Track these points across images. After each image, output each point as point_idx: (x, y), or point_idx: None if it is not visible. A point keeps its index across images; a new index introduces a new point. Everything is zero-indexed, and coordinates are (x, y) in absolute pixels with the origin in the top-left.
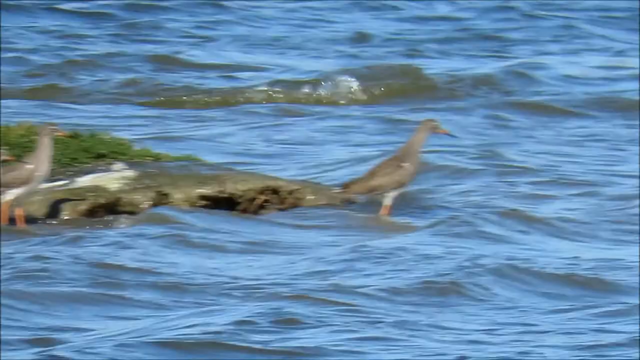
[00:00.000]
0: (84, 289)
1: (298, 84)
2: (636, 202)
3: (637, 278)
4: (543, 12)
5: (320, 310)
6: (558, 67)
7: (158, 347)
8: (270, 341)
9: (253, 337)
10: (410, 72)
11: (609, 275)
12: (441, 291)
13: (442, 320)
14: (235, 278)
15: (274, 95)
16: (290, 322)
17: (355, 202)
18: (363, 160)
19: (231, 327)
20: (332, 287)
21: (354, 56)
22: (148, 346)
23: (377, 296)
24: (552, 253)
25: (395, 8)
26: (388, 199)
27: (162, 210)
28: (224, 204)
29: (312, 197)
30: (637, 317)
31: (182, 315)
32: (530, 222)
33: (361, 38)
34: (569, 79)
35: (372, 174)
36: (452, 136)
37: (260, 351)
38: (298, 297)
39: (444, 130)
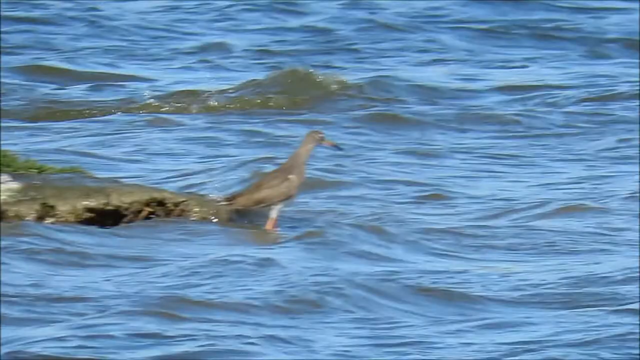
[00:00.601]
0: None
1: (164, 96)
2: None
3: (482, 289)
4: (402, 24)
5: (162, 326)
6: (416, 79)
7: None
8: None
9: None
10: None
11: (467, 289)
12: (297, 304)
13: (299, 333)
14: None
15: (138, 106)
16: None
17: (244, 214)
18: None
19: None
20: (178, 300)
21: (218, 67)
22: None
23: (233, 308)
24: (413, 267)
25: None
26: (274, 212)
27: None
28: (110, 216)
29: (198, 209)
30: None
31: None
32: (391, 236)
33: (220, 48)
34: (426, 90)
35: (258, 186)
36: (338, 148)
37: None
38: (142, 312)
39: (329, 142)
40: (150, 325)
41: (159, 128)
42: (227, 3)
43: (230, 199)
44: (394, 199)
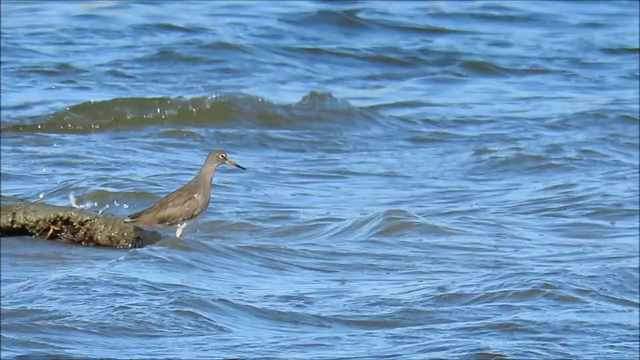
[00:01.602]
0: None
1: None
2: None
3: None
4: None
5: None
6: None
7: None
8: None
9: None
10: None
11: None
12: (123, 321)
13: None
14: None
15: None
16: None
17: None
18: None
19: None
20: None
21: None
22: None
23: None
24: (257, 286)
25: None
26: (179, 230)
27: None
28: (19, 234)
29: (103, 227)
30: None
31: None
32: (232, 252)
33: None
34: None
35: (162, 204)
36: (240, 167)
37: None
38: None
39: (231, 161)
40: None
41: None
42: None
43: (135, 217)
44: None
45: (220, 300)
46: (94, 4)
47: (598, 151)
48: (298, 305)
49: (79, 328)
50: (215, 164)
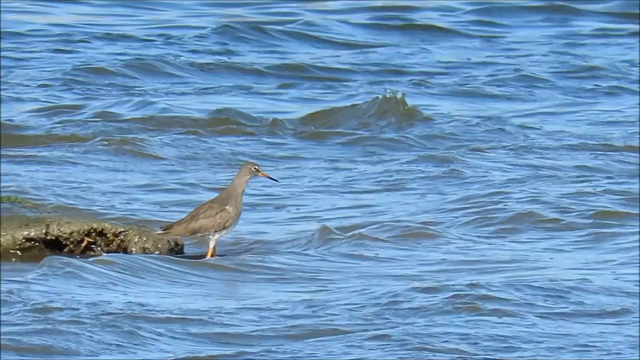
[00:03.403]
0: None
1: None
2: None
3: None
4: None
5: None
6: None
7: None
8: None
9: None
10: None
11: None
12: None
13: None
14: None
15: None
16: None
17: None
18: None
19: None
20: None
21: None
22: None
23: None
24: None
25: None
26: (211, 242)
27: None
28: (53, 246)
29: (137, 238)
30: None
31: None
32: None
33: None
34: None
35: (193, 216)
36: (273, 179)
37: None
38: None
39: (264, 173)
40: None
41: None
42: None
43: (167, 228)
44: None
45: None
46: None
47: None
48: None
49: None
50: (248, 176)
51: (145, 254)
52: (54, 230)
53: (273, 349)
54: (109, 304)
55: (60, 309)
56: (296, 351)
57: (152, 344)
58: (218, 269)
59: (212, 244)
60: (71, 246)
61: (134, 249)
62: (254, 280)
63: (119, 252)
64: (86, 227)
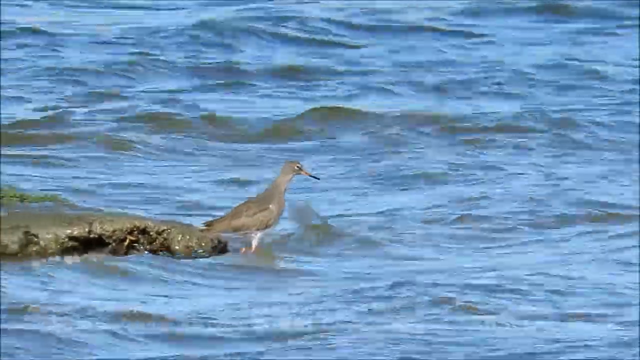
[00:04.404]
0: None
1: None
2: None
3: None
4: None
5: None
6: None
7: None
8: None
9: None
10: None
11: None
12: None
13: None
14: None
15: None
16: None
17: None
18: None
19: None
20: None
21: None
22: None
23: None
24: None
25: None
26: (255, 240)
27: None
28: (95, 244)
29: (181, 237)
30: None
31: None
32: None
33: None
34: None
35: (235, 213)
36: (315, 178)
37: None
38: None
39: (307, 172)
40: None
41: None
42: None
43: (208, 225)
44: None
45: None
46: None
47: None
48: None
49: None
50: (291, 175)
51: (189, 252)
52: (97, 229)
53: None
54: None
55: None
56: None
57: None
58: None
59: (254, 243)
60: (114, 244)
61: (177, 247)
62: None
63: (162, 251)
64: (128, 225)
